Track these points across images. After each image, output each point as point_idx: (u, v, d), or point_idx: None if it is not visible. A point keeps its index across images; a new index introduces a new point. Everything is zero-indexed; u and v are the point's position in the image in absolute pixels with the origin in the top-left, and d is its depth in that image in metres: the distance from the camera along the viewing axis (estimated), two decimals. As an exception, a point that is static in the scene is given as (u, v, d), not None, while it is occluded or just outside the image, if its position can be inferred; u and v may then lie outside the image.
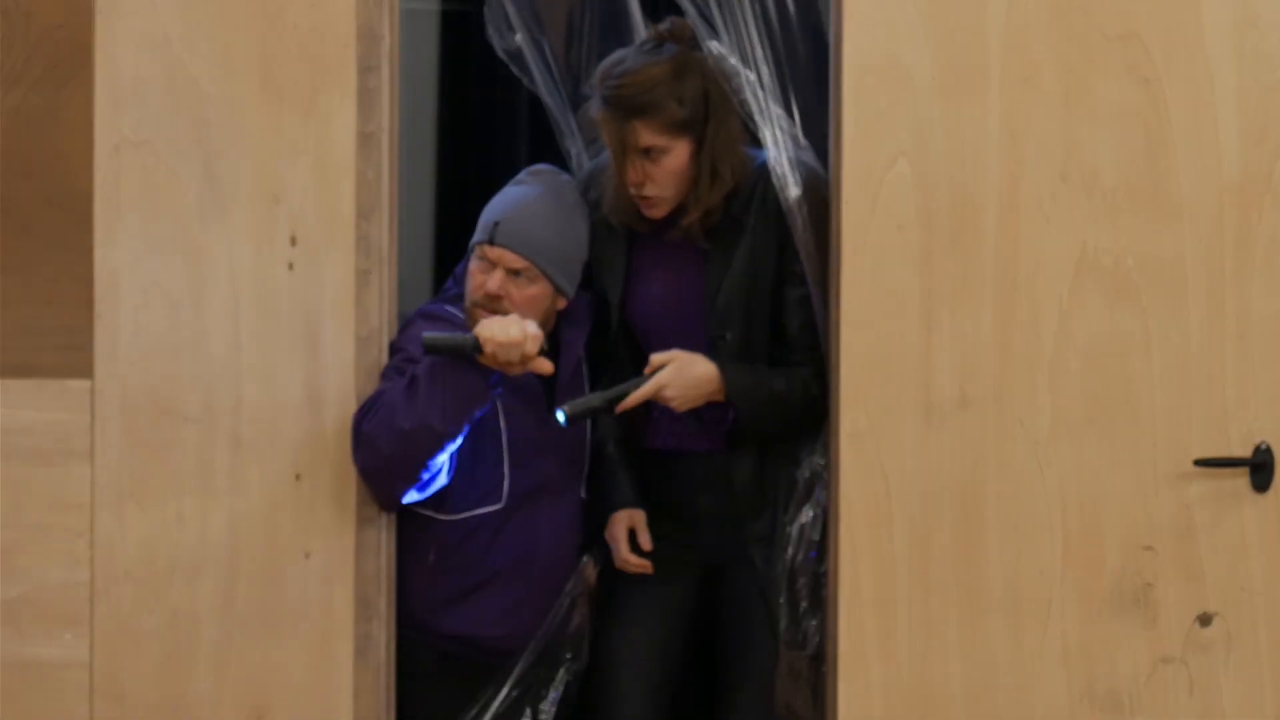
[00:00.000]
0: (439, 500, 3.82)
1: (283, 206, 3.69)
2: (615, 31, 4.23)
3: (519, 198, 3.89)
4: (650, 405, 3.91)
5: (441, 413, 3.66)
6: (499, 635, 3.88)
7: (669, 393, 3.81)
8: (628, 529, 3.97)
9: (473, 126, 5.00)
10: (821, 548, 3.84)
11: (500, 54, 4.19)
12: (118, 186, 3.70)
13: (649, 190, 3.89)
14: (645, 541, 3.95)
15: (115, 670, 3.71)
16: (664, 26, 3.92)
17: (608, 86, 3.87)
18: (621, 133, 3.86)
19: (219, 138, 3.69)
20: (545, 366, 3.72)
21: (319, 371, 3.70)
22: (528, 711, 3.89)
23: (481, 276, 3.83)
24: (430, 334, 3.70)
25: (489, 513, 3.86)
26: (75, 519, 3.71)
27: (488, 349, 3.65)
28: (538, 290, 3.84)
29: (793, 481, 3.89)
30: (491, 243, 3.82)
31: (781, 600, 3.87)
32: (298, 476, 3.70)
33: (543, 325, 3.80)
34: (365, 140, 3.69)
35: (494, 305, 3.81)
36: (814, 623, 3.84)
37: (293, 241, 3.70)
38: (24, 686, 3.72)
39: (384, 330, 3.72)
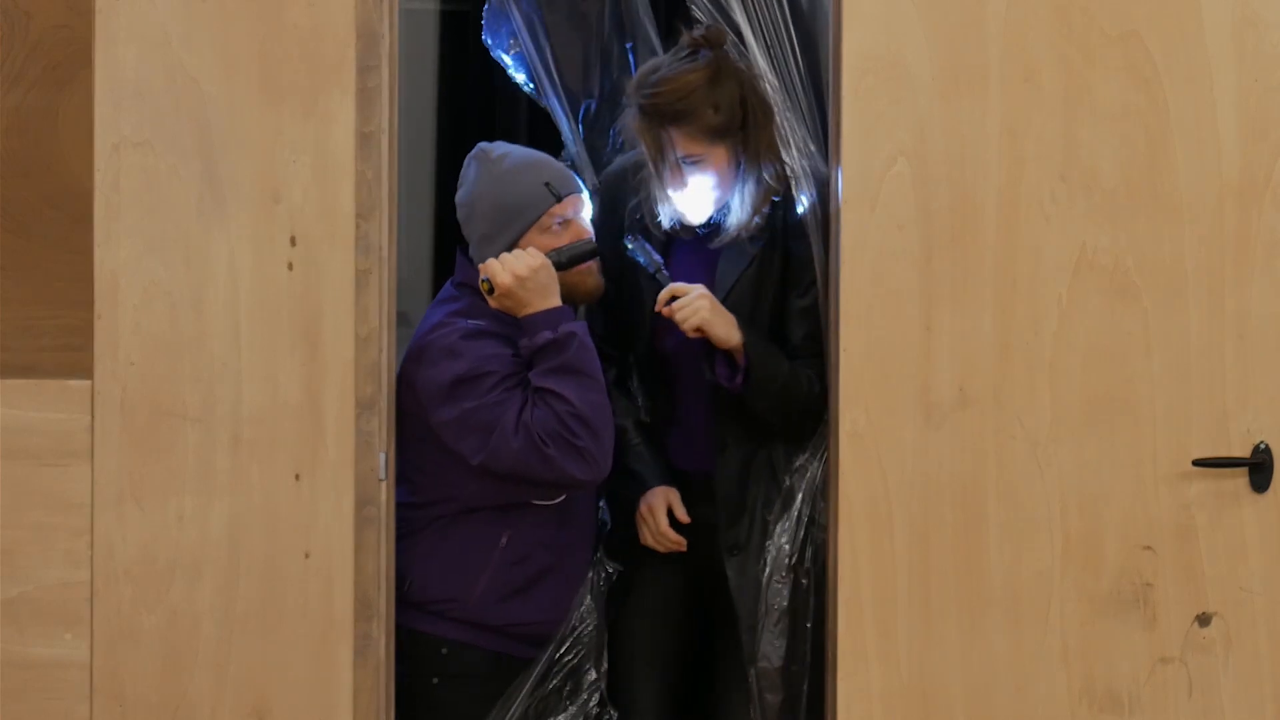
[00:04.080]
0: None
1: (283, 206, 3.69)
2: (620, 35, 4.23)
3: (524, 162, 3.91)
4: (668, 428, 3.98)
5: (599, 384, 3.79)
6: (548, 620, 3.90)
7: (700, 302, 3.81)
8: (666, 505, 3.97)
9: (473, 126, 5.00)
10: (804, 548, 3.86)
11: (500, 57, 4.20)
12: (118, 186, 3.70)
13: (686, 198, 3.89)
14: (682, 515, 3.96)
15: (115, 670, 3.72)
16: (698, 32, 3.88)
17: (643, 94, 3.86)
18: (659, 140, 3.86)
19: (219, 138, 3.69)
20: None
21: (319, 371, 3.70)
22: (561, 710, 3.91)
23: (566, 234, 3.89)
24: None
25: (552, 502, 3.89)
26: (75, 519, 3.71)
27: (510, 284, 3.77)
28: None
29: (771, 492, 3.90)
30: (560, 198, 3.89)
31: (760, 607, 3.88)
32: (298, 476, 3.70)
33: None
34: (365, 140, 3.69)
35: None
36: (781, 626, 3.85)
37: (293, 241, 3.70)
38: (24, 686, 3.73)
39: (384, 330, 3.72)
